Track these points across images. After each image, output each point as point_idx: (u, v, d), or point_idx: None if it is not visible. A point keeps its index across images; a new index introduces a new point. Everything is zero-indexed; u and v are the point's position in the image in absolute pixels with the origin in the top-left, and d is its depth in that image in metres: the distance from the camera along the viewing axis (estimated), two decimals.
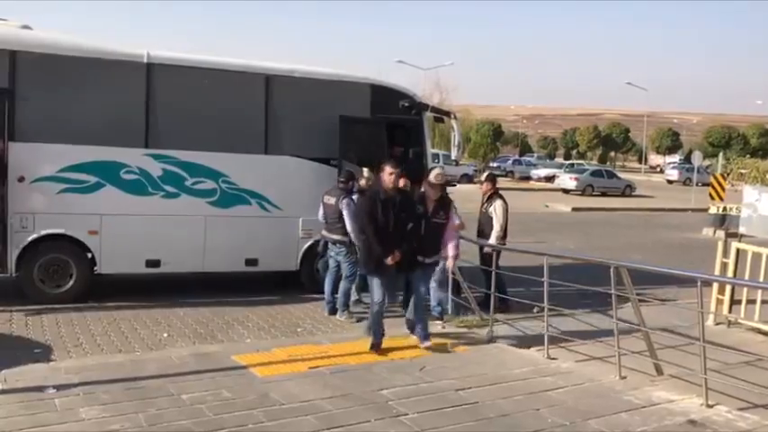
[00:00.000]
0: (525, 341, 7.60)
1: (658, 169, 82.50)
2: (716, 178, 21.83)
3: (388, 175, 6.94)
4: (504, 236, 9.46)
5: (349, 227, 8.47)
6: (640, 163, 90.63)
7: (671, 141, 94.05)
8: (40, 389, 5.49)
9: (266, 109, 9.77)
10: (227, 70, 9.71)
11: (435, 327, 7.94)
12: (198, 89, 9.47)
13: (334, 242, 8.77)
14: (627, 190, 40.43)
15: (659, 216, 28.40)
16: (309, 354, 6.78)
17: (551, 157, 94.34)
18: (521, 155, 77.87)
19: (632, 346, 6.75)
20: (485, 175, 9.76)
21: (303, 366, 6.37)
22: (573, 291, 8.32)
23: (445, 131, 34.91)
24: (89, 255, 9.03)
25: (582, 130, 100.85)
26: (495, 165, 53.00)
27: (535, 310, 8.61)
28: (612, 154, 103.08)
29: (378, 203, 6.91)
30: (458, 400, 5.54)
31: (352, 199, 8.60)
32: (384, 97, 10.41)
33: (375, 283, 7.06)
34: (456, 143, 10.97)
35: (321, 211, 9.02)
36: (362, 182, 9.06)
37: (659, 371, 6.38)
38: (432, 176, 7.13)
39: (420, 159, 10.70)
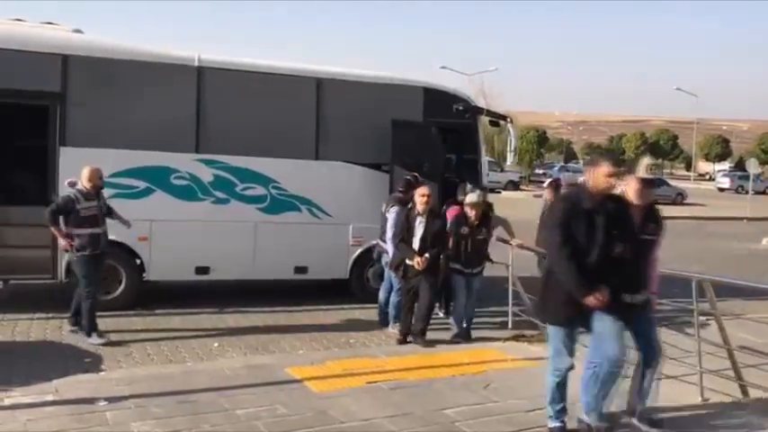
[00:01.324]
0: None
1: (707, 177, 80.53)
2: None
3: (604, 176, 4.62)
4: None
5: (388, 234, 8.17)
6: (688, 171, 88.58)
7: (721, 149, 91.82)
8: (92, 401, 5.29)
9: (317, 113, 9.55)
10: (277, 74, 9.52)
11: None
12: (248, 93, 9.29)
13: (384, 251, 8.46)
14: (678, 198, 39.41)
15: (713, 225, 27.48)
16: (365, 368, 6.47)
17: None
18: (566, 162, 76.66)
19: (709, 364, 6.26)
20: (548, 181, 9.34)
21: (360, 381, 6.06)
22: None
23: (488, 136, 34.42)
24: (138, 261, 8.91)
25: (629, 137, 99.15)
26: (540, 171, 52.23)
27: None
28: (660, 161, 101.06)
29: (580, 214, 4.61)
30: (528, 423, 5.16)
31: (405, 208, 8.28)
32: (437, 101, 10.10)
33: (557, 338, 4.84)
34: (512, 148, 10.58)
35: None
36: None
37: (745, 393, 5.90)
38: (641, 168, 4.92)
39: (475, 166, 10.38)
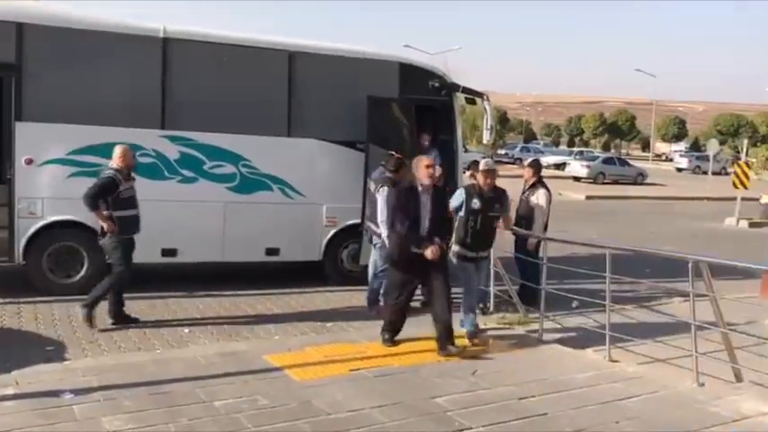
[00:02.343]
0: (577, 341, 7.00)
1: (663, 157, 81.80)
2: (740, 166, 21.23)
3: None
4: (544, 227, 8.80)
5: (380, 218, 7.72)
6: (644, 151, 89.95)
7: (677, 129, 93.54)
8: (56, 393, 4.94)
9: (289, 88, 9.13)
10: (248, 46, 9.08)
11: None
12: (217, 67, 8.83)
13: (374, 233, 8.07)
14: (639, 178, 39.79)
15: (675, 205, 27.79)
16: (347, 354, 6.19)
17: (556, 144, 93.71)
18: (525, 142, 77.09)
19: (700, 347, 6.09)
20: (528, 161, 9.09)
21: (343, 368, 5.80)
22: (615, 286, 7.69)
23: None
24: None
25: (587, 118, 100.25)
26: (503, 152, 52.34)
27: (574, 304, 8.09)
28: (618, 141, 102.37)
29: None
30: (524, 411, 4.96)
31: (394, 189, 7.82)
32: (413, 76, 9.76)
33: None
34: (489, 126, 10.32)
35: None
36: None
37: (739, 377, 5.78)
38: None
39: (450, 144, 10.10)
